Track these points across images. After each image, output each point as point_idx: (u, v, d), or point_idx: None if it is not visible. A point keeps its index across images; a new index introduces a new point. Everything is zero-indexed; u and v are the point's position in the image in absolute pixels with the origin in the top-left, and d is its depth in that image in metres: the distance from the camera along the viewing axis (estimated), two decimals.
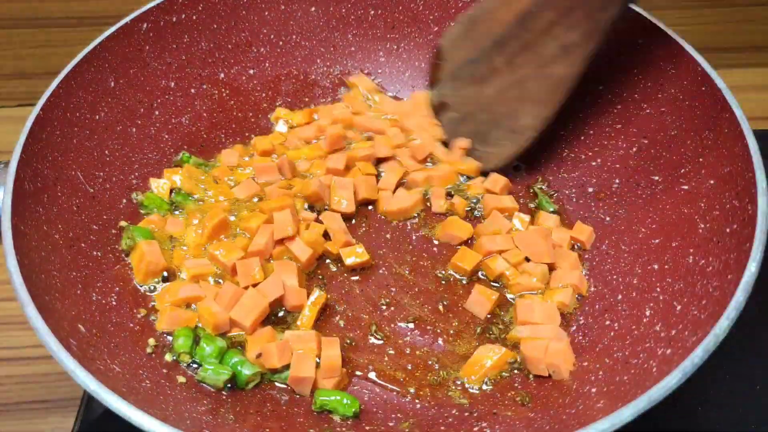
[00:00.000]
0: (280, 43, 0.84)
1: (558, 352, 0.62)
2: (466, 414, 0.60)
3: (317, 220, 0.72)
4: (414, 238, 0.74)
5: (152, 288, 0.67)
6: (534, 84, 0.74)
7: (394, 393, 0.62)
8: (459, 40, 0.78)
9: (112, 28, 0.73)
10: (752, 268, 0.54)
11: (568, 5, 0.69)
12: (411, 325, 0.67)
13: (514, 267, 0.70)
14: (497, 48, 0.75)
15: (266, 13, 0.83)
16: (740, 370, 0.68)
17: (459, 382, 0.63)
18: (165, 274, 0.67)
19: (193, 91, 0.80)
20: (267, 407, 0.61)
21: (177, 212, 0.73)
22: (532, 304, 0.66)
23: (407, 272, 0.71)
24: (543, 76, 0.73)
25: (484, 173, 0.79)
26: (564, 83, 0.72)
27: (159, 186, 0.73)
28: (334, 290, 0.69)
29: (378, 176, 0.78)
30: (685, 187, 0.66)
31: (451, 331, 0.66)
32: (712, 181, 0.64)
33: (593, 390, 0.58)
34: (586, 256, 0.72)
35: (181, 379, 0.61)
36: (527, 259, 0.70)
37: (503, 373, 0.63)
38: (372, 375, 0.63)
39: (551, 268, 0.70)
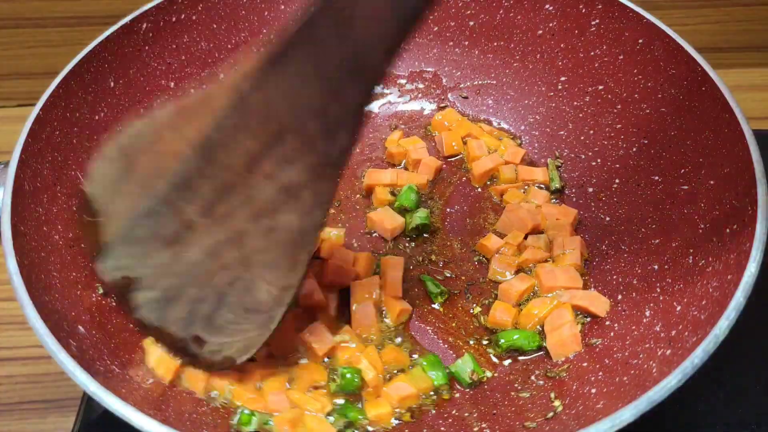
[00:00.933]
0: None
1: (567, 337, 0.63)
2: (466, 414, 0.60)
3: None
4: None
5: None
6: (257, 242, 0.53)
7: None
8: (115, 182, 0.55)
9: (112, 28, 0.73)
10: (752, 268, 0.54)
11: (274, 130, 0.49)
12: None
13: (516, 247, 0.71)
14: (181, 193, 0.52)
15: (266, 13, 0.83)
16: (740, 370, 0.68)
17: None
18: None
19: (193, 91, 0.80)
20: None
21: None
22: (554, 269, 0.67)
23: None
24: (266, 230, 0.52)
25: None
26: (304, 237, 0.52)
27: None
28: None
29: None
30: (685, 187, 0.66)
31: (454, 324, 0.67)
32: (712, 181, 0.64)
33: (593, 390, 0.58)
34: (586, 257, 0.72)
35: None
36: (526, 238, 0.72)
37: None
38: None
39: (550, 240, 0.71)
